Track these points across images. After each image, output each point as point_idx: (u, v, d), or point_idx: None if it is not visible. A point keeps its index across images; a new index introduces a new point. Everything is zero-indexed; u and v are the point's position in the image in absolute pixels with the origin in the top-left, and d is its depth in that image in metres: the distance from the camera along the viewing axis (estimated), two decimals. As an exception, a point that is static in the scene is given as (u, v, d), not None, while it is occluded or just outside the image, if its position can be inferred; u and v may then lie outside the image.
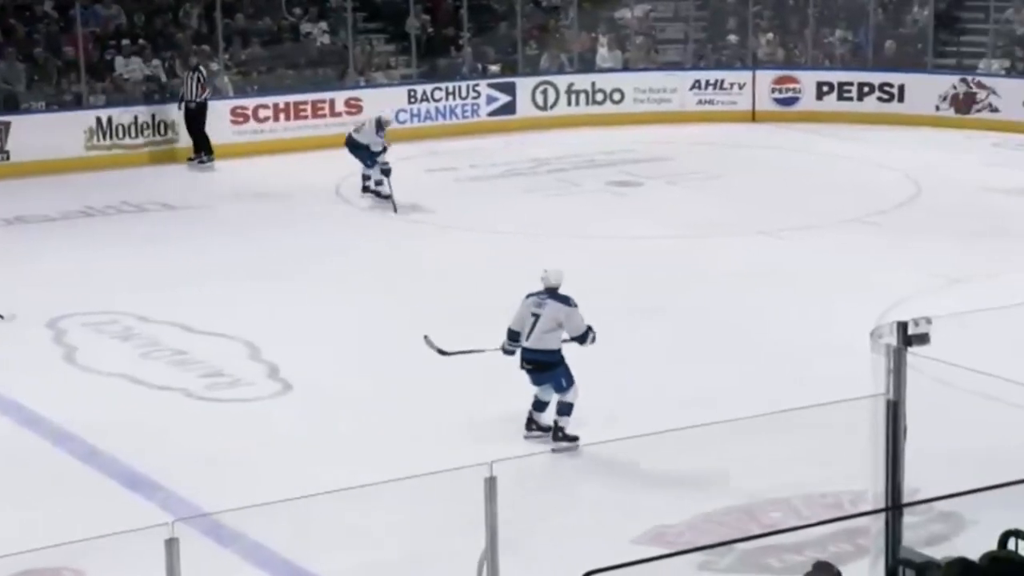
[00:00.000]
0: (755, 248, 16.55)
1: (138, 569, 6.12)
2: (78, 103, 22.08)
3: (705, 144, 22.74)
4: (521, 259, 16.23)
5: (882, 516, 6.64)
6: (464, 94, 24.17)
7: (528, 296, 10.87)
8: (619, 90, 24.75)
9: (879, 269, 15.22)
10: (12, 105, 21.80)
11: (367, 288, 15.05)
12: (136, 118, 21.90)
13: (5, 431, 11.39)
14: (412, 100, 23.75)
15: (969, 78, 23.98)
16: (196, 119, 21.79)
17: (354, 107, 23.26)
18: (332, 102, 23.24)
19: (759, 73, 25.04)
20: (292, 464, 10.32)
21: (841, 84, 24.77)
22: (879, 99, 24.45)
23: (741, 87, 25.02)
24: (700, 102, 24.95)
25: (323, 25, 24.61)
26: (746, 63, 25.51)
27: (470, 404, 11.54)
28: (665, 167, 20.93)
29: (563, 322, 10.66)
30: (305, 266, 15.91)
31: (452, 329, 12.68)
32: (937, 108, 24.04)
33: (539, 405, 10.87)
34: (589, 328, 10.73)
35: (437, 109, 23.99)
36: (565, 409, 10.70)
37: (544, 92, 24.68)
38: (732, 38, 26.10)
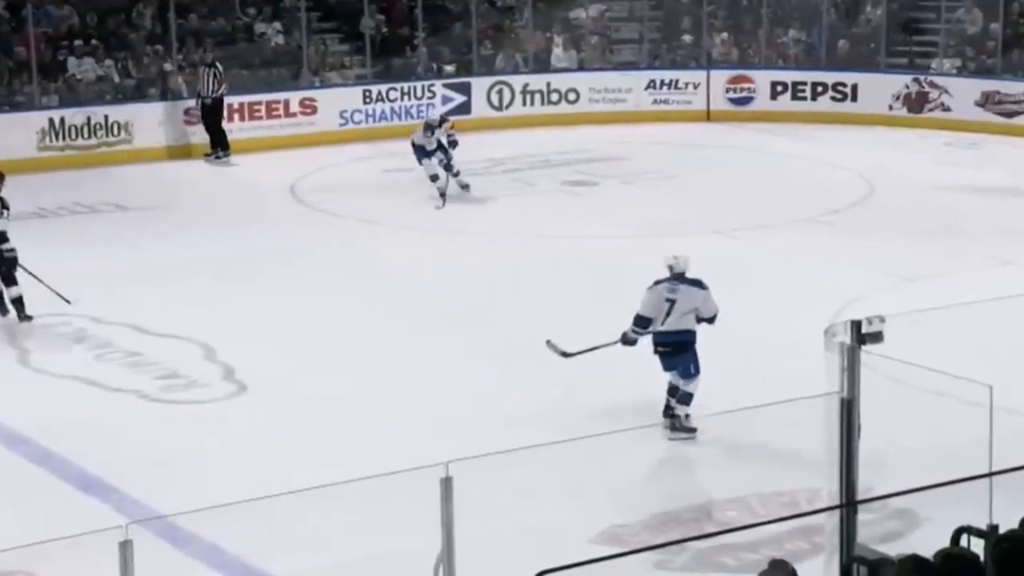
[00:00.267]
0: (710, 248, 16.53)
1: (92, 572, 6.08)
2: (30, 104, 21.93)
3: (660, 144, 22.80)
4: (477, 259, 16.29)
5: (836, 514, 6.66)
6: (419, 94, 24.15)
7: (656, 283, 11.12)
8: (574, 90, 24.79)
9: (833, 268, 15.29)
10: (-37, 106, 21.71)
11: (323, 288, 15.01)
12: (89, 119, 21.76)
13: (-42, 434, 11.32)
14: (367, 100, 23.71)
15: (921, 78, 24.13)
16: (212, 114, 21.96)
17: (308, 107, 23.22)
18: (287, 102, 23.18)
19: (713, 73, 25.12)
20: (248, 466, 10.29)
21: (795, 84, 24.89)
22: (832, 99, 24.58)
23: (696, 87, 25.10)
24: (655, 102, 25.02)
25: (277, 25, 24.53)
26: (701, 63, 25.59)
27: (427, 404, 11.55)
28: (620, 167, 20.97)
29: (699, 305, 10.99)
30: (260, 267, 15.86)
31: (412, 329, 12.71)
32: (890, 107, 24.19)
33: (684, 399, 10.99)
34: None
35: (392, 109, 23.95)
36: (686, 399, 10.90)
37: (499, 92, 24.68)
38: (687, 38, 26.18)
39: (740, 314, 13.85)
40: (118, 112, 21.99)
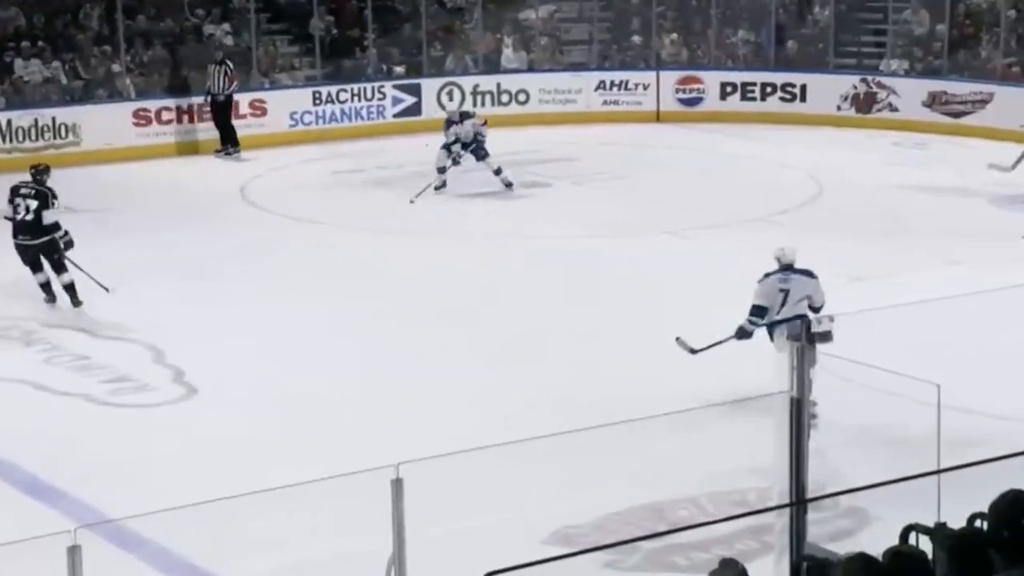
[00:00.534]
0: (660, 248, 16.65)
1: (40, 578, 6.03)
2: (-24, 106, 21.80)
3: (610, 144, 22.83)
4: (428, 259, 16.26)
5: (787, 513, 6.69)
6: (369, 95, 24.10)
7: (766, 276, 11.61)
8: (524, 91, 24.80)
9: (783, 268, 15.33)
10: (-92, 108, 21.50)
11: (272, 290, 14.96)
12: (36, 120, 21.61)
13: (-97, 439, 11.20)
14: (317, 102, 23.64)
15: (869, 78, 24.27)
16: (223, 111, 22.09)
17: (258, 108, 23.14)
18: (236, 104, 23.07)
19: (663, 74, 25.18)
20: (198, 468, 10.23)
21: (744, 84, 24.98)
22: (781, 99, 24.68)
23: (645, 88, 25.15)
24: (605, 103, 25.06)
25: (226, 26, 24.40)
26: (650, 64, 25.64)
27: (374, 404, 11.53)
28: (571, 167, 21.00)
29: (811, 294, 11.50)
30: (209, 268, 15.79)
31: (367, 329, 12.67)
32: (838, 108, 24.31)
33: None
34: None
35: (342, 111, 23.90)
36: None
37: (450, 93, 24.65)
38: (636, 39, 26.23)
39: (689, 313, 13.91)
40: (66, 114, 21.83)
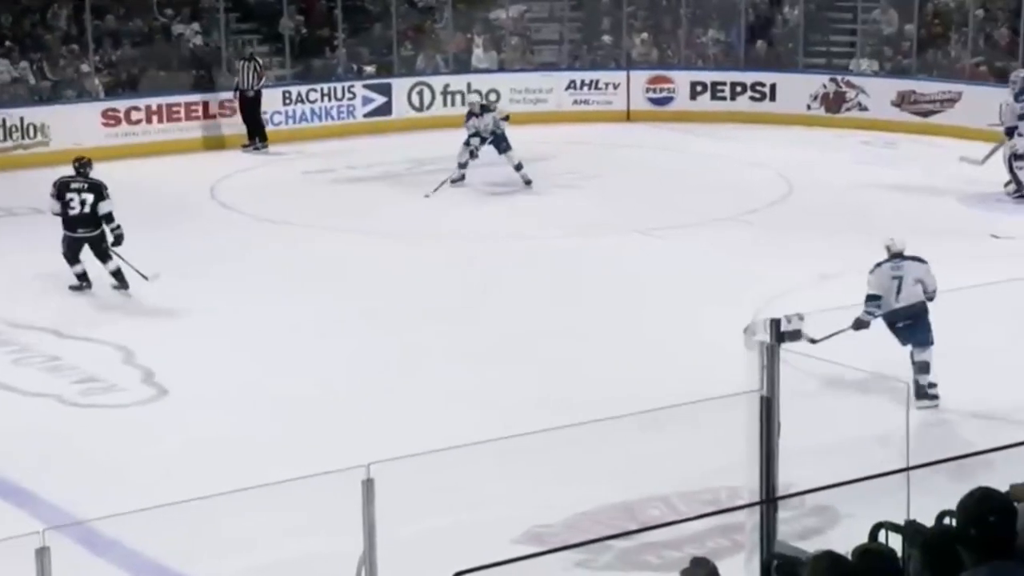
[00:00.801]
0: (631, 247, 16.66)
1: (9, 580, 6.01)
2: (-56, 106, 21.70)
3: (581, 144, 22.84)
4: (400, 259, 16.24)
5: (757, 511, 6.71)
6: (339, 95, 24.06)
7: (877, 266, 11.74)
8: (495, 91, 24.75)
9: (752, 267, 15.38)
10: None
11: (244, 290, 14.93)
12: (4, 121, 21.50)
13: None
14: (287, 102, 23.59)
15: (839, 78, 24.35)
16: (251, 106, 22.26)
17: (228, 108, 23.06)
18: (206, 104, 23.01)
19: (633, 73, 25.22)
20: (168, 470, 10.20)
21: (714, 84, 25.03)
22: (751, 98, 24.74)
23: (616, 87, 25.18)
24: (576, 102, 25.08)
25: (195, 26, 24.34)
26: (620, 63, 25.68)
27: (347, 405, 11.51)
28: (542, 167, 20.99)
29: (922, 278, 11.63)
30: (179, 269, 15.70)
31: (338, 330, 12.62)
32: (808, 107, 24.39)
33: (924, 367, 11.37)
34: None
35: (312, 111, 23.86)
36: (925, 368, 11.33)
37: (420, 93, 24.64)
38: (606, 38, 26.27)
39: (659, 312, 13.96)
40: (34, 114, 21.73)
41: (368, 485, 6.22)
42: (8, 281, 15.21)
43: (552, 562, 7.04)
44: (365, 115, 24.17)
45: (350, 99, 24.13)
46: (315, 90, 23.89)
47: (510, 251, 16.57)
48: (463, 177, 19.62)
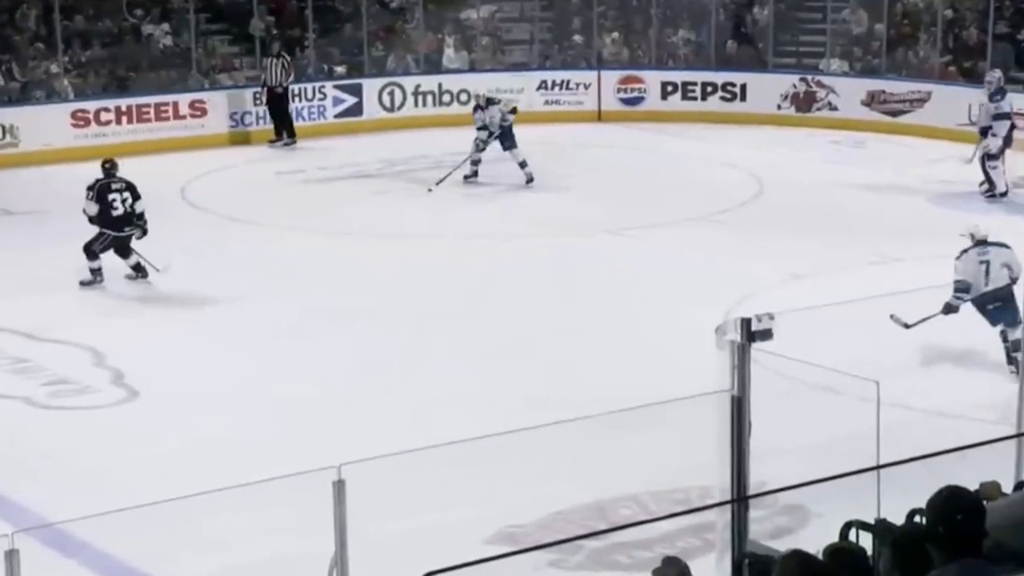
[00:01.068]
0: (603, 247, 16.68)
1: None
2: (-87, 107, 21.57)
3: (552, 144, 22.82)
4: (375, 260, 16.22)
5: (728, 510, 6.72)
6: (310, 96, 24.01)
7: (963, 252, 12.23)
8: (466, 91, 24.72)
9: (723, 266, 15.43)
10: None
11: (215, 292, 14.89)
12: (-27, 122, 21.46)
13: None
14: (258, 102, 23.52)
15: (809, 77, 24.43)
16: (279, 103, 22.46)
17: (198, 109, 23.01)
18: (176, 104, 22.94)
19: (604, 73, 25.25)
20: (139, 471, 10.17)
21: (685, 84, 25.08)
22: (722, 98, 24.80)
23: (587, 87, 25.21)
24: (547, 102, 25.09)
25: (165, 27, 24.26)
26: (591, 63, 25.72)
27: (318, 408, 11.50)
28: (513, 167, 20.98)
29: (1008, 261, 12.18)
30: (150, 270, 15.68)
31: (314, 331, 12.56)
32: (778, 107, 24.46)
33: (1017, 345, 11.78)
34: None
35: (283, 111, 23.77)
36: (1018, 345, 11.75)
37: (391, 93, 24.62)
38: (577, 38, 26.30)
39: (630, 312, 13.98)
40: (3, 115, 21.63)
41: (339, 486, 6.20)
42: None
43: (524, 562, 7.04)
44: (336, 115, 24.13)
45: (320, 99, 24.08)
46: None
47: (480, 251, 16.55)
48: (476, 173, 19.67)
